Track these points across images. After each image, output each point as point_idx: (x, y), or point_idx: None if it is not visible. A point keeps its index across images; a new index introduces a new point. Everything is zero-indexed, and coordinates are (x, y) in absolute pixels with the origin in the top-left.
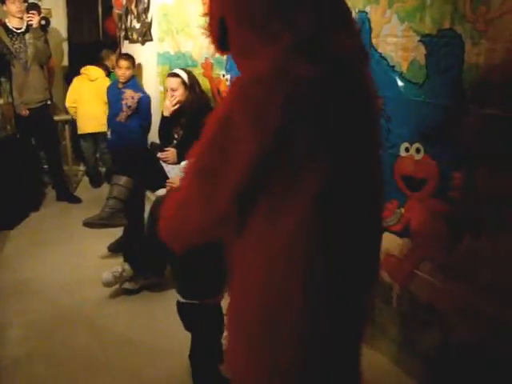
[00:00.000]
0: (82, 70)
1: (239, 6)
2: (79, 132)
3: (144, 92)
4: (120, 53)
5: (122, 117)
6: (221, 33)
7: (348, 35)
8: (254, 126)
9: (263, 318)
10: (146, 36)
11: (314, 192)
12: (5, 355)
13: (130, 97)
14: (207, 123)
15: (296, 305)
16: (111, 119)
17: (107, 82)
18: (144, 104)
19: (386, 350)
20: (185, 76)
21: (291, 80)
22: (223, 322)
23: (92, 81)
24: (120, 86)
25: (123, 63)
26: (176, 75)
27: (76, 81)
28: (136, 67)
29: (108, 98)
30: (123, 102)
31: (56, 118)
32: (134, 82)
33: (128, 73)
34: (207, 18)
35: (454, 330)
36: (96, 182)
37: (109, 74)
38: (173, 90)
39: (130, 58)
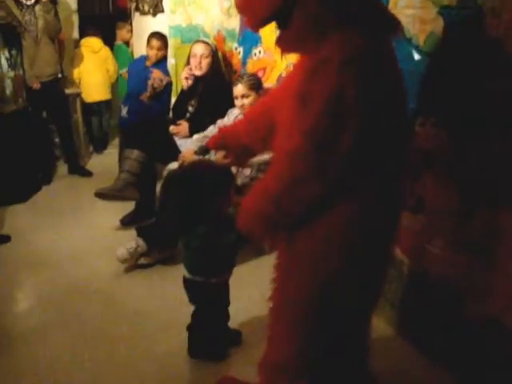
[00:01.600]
0: (83, 42)
1: None
2: (86, 101)
3: (170, 75)
4: (152, 32)
5: (145, 96)
6: (283, 10)
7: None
8: (360, 99)
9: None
10: (157, 8)
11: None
12: (20, 326)
13: (157, 78)
14: (312, 98)
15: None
16: (130, 97)
17: (108, 50)
18: (169, 90)
19: (394, 323)
20: (214, 46)
21: (382, 56)
22: (227, 298)
23: (96, 52)
24: (148, 64)
25: (155, 43)
26: (207, 43)
27: (80, 53)
28: (167, 48)
29: (130, 73)
30: (149, 82)
31: (67, 91)
32: (164, 63)
33: (160, 54)
34: None
35: (465, 305)
36: (99, 147)
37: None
38: (203, 56)
39: (162, 37)
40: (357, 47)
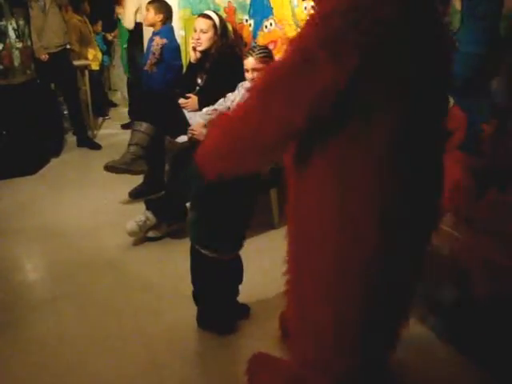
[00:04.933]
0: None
1: None
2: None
3: (172, 39)
4: None
5: (147, 65)
6: None
7: None
8: (332, 61)
9: (335, 258)
10: None
11: (390, 134)
12: (31, 297)
13: (156, 44)
14: (289, 45)
15: (371, 241)
16: (142, 70)
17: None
18: (167, 51)
19: None
20: (216, 19)
21: (371, 19)
22: (238, 274)
23: None
24: (145, 24)
25: (147, 7)
26: (208, 17)
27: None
28: (165, 13)
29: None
30: (150, 50)
31: (75, 63)
32: (165, 29)
33: (148, 16)
34: None
35: (474, 283)
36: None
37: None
38: (202, 31)
39: (155, 2)
40: (341, 5)
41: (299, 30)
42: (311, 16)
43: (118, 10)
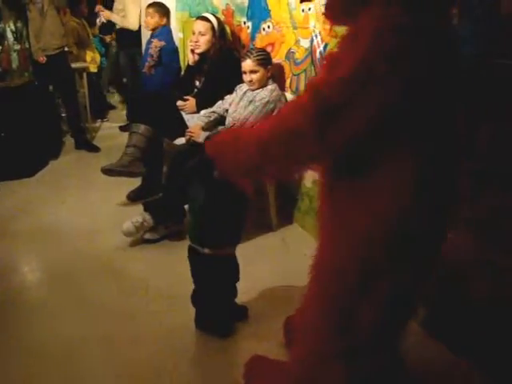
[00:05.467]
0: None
1: None
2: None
3: (170, 41)
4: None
5: (146, 67)
6: None
7: None
8: (393, 73)
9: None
10: None
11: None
12: (27, 298)
13: (154, 46)
14: (339, 64)
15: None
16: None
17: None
18: (165, 53)
19: None
20: (215, 22)
21: (427, 31)
22: (233, 273)
23: None
24: (146, 26)
25: (147, 10)
26: (206, 19)
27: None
28: (165, 16)
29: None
30: (148, 52)
31: (73, 65)
32: (163, 31)
33: (152, 21)
34: None
35: (471, 284)
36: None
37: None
38: (201, 34)
39: (156, 5)
40: (397, 18)
41: (337, 46)
42: (350, 34)
43: (106, 14)
